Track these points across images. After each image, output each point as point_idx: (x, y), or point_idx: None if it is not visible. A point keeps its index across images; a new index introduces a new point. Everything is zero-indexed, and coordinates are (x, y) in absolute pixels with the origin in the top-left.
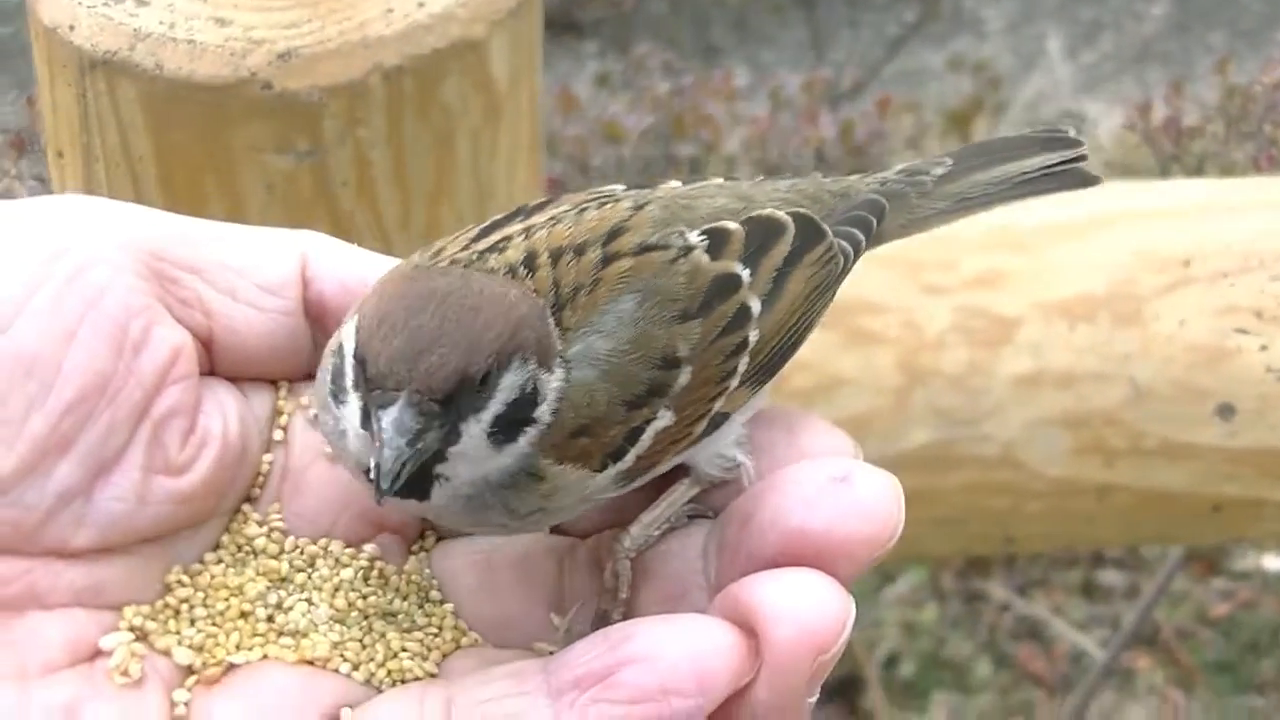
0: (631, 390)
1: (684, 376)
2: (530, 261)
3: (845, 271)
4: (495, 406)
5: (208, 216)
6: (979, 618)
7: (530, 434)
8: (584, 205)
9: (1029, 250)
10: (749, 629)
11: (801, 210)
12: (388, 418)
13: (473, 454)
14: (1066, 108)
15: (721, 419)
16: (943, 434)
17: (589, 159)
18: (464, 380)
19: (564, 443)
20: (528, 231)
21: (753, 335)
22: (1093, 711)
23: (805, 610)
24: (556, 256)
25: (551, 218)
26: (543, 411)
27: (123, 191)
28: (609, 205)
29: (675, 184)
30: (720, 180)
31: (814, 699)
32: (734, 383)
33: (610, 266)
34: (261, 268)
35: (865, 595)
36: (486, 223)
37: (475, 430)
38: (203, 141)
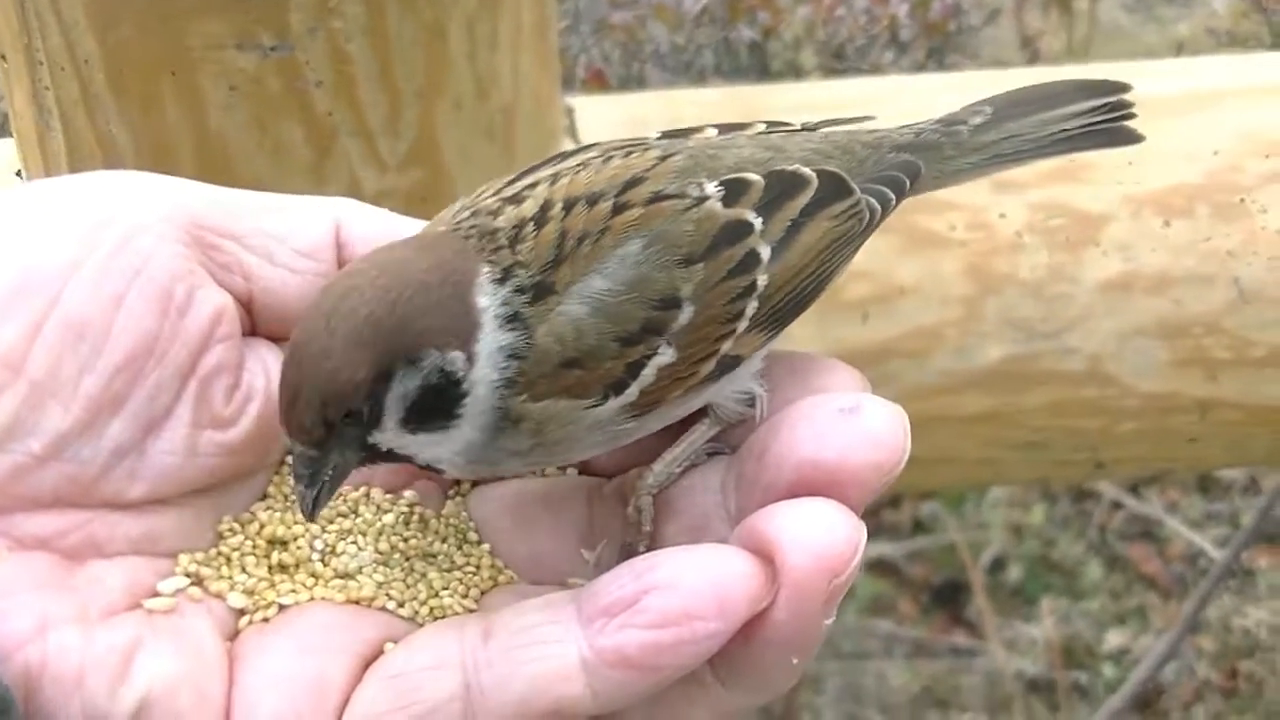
0: (624, 327)
1: (685, 315)
2: (542, 214)
3: (871, 228)
4: (394, 413)
5: (165, 122)
6: (1089, 518)
7: (475, 401)
8: (611, 153)
9: None
10: (766, 556)
11: (830, 167)
12: (292, 463)
13: (414, 445)
14: None
15: (733, 362)
16: (1020, 348)
17: (639, 48)
18: (329, 423)
19: (554, 373)
20: (555, 178)
21: (761, 279)
22: (1211, 615)
23: (818, 537)
24: (570, 206)
25: (580, 163)
26: (481, 377)
27: (69, 98)
28: (636, 154)
29: (711, 132)
30: (762, 127)
31: (830, 620)
32: (742, 325)
33: (620, 216)
34: (296, 233)
35: (969, 497)
36: (525, 167)
37: (390, 435)
38: (154, 39)
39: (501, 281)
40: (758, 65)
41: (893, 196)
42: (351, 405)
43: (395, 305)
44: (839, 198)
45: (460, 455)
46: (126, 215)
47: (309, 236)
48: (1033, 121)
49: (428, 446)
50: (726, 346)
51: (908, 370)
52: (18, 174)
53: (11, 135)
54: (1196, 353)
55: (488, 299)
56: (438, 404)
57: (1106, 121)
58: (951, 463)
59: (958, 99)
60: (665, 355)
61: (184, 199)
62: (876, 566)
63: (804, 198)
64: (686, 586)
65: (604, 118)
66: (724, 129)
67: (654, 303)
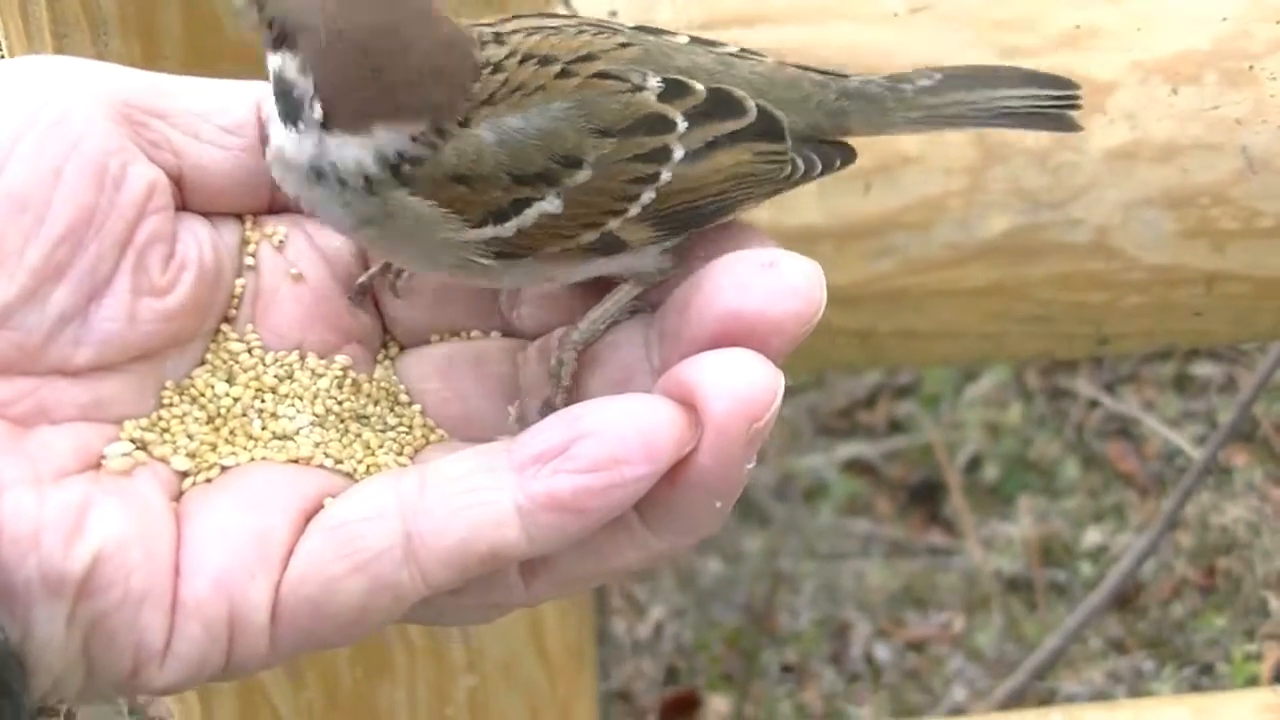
0: (521, 166)
1: (581, 176)
2: (505, 60)
3: (793, 181)
4: (271, 65)
5: None
6: (1066, 416)
7: (300, 130)
8: (585, 28)
9: (1122, 1)
10: (689, 404)
11: (771, 98)
12: None
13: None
14: None
15: (615, 244)
16: (1026, 219)
17: None
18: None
19: (442, 181)
20: (531, 32)
21: (665, 175)
22: (1189, 512)
23: (739, 383)
24: (526, 60)
25: (556, 28)
26: (307, 114)
27: None
28: (604, 35)
29: (683, 38)
30: (736, 50)
31: (752, 465)
32: (634, 209)
33: (561, 80)
34: (221, 111)
35: (945, 396)
36: (518, 13)
37: (271, 71)
38: None
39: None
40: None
41: (820, 166)
42: (269, 23)
43: (378, 31)
44: (767, 139)
45: (292, 161)
46: (60, 97)
47: (232, 114)
48: (978, 95)
49: (281, 133)
50: (613, 224)
51: (911, 242)
52: None
53: None
54: (1203, 224)
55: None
56: (280, 101)
57: (1052, 107)
58: (955, 337)
59: None
60: (551, 205)
61: (113, 81)
62: (853, 466)
63: (735, 124)
64: (614, 432)
65: None
66: (695, 40)
67: (558, 157)
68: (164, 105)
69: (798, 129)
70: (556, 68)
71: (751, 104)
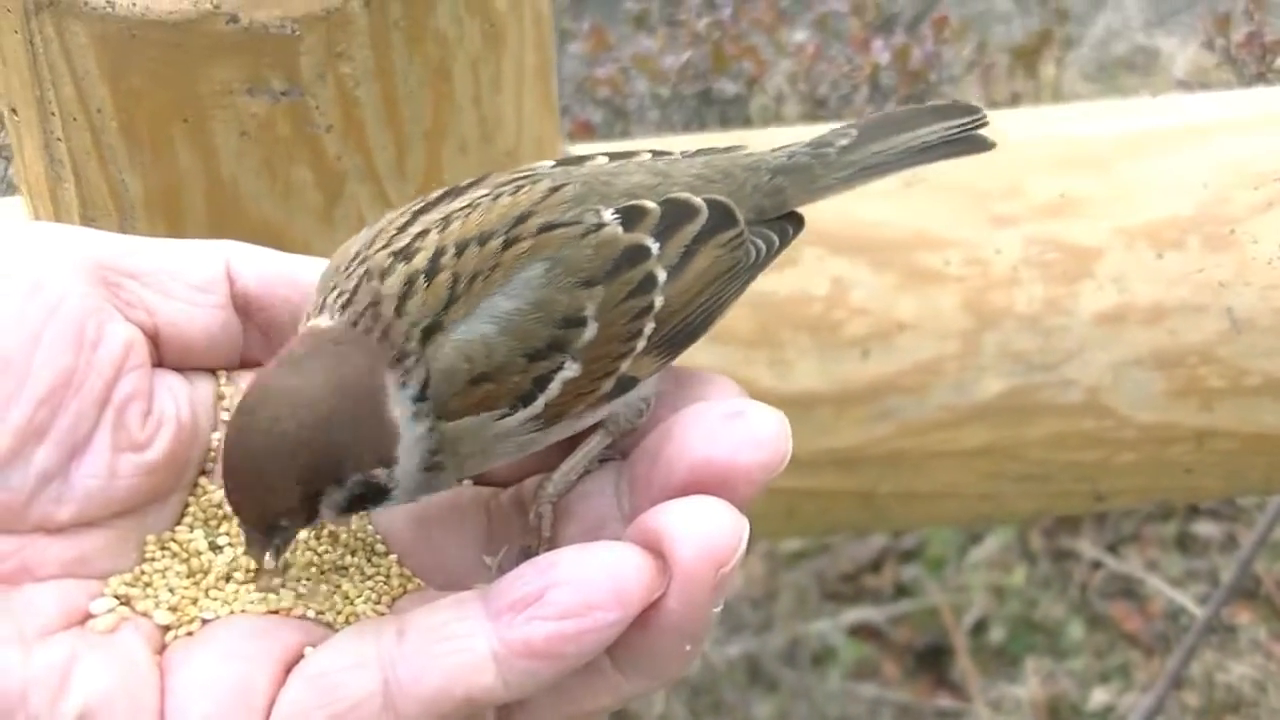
0: (531, 344)
1: (589, 332)
2: (434, 264)
3: (758, 266)
4: (329, 511)
5: (177, 169)
6: (1070, 577)
7: (402, 485)
8: (501, 189)
9: (1107, 169)
10: (658, 550)
11: (715, 192)
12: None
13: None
14: (1138, 43)
15: (629, 383)
16: (1019, 381)
17: (624, 102)
18: (270, 524)
19: (464, 390)
20: (445, 223)
21: (658, 301)
22: (1194, 671)
23: (705, 531)
24: (462, 249)
25: (470, 204)
26: (404, 467)
27: (81, 149)
28: (525, 189)
29: (602, 159)
30: (649, 154)
31: (718, 608)
32: (640, 344)
33: (509, 250)
34: (191, 271)
35: (950, 559)
36: (419, 203)
37: (328, 518)
38: (165, 87)
39: (404, 385)
40: (740, 119)
41: (776, 241)
42: (285, 519)
43: (317, 440)
44: (726, 227)
45: (393, 506)
46: (35, 262)
47: (202, 273)
48: (895, 140)
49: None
50: (625, 366)
51: (908, 406)
52: None
53: (18, 193)
54: (1192, 383)
55: (400, 408)
56: (369, 498)
57: (962, 133)
58: (955, 497)
59: None
60: (570, 370)
61: (87, 244)
62: (860, 630)
63: (695, 225)
64: (586, 580)
65: None
66: (614, 156)
67: (559, 321)
68: (137, 265)
69: (744, 217)
70: (498, 241)
71: (699, 200)
